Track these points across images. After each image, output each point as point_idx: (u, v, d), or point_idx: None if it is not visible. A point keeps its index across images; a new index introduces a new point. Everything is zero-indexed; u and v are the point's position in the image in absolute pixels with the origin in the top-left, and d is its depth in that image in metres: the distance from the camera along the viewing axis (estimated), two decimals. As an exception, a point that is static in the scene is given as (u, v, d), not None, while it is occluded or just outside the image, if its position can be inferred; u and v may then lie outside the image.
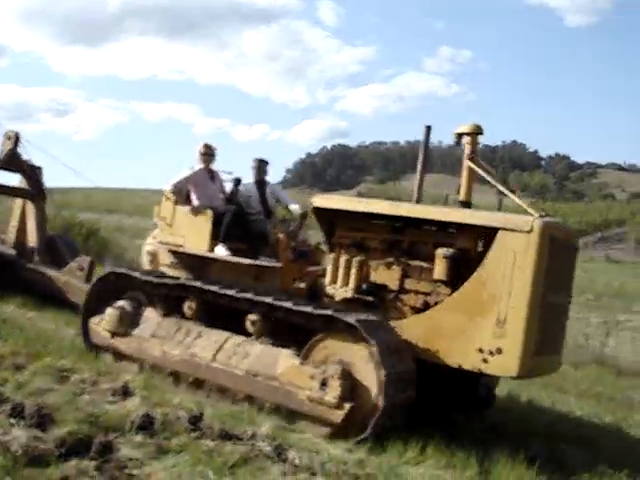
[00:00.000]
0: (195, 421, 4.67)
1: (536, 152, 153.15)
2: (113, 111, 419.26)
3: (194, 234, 6.87)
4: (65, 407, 4.61)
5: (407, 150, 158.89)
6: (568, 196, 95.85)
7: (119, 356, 6.60)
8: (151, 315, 6.60)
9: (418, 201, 6.38)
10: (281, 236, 7.05)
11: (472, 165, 6.09)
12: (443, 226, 5.74)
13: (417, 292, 5.75)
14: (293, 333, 5.78)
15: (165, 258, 7.27)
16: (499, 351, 5.03)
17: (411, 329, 5.49)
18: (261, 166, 7.61)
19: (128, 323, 6.57)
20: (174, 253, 7.15)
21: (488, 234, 5.38)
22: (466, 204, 6.10)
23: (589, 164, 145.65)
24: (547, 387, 9.69)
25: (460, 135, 6.19)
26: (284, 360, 5.52)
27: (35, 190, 10.53)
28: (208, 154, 7.36)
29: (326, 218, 6.41)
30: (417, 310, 5.70)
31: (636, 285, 23.12)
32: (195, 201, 7.12)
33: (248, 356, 5.73)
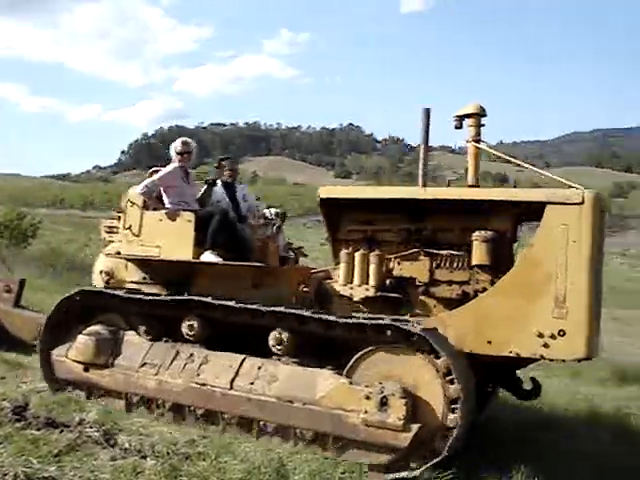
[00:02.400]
0: (20, 411, 4.75)
1: (372, 135, 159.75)
2: None
3: (173, 242, 5.84)
4: None
5: (246, 131, 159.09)
6: (403, 178, 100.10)
7: (96, 392, 5.54)
8: (135, 340, 5.60)
9: (424, 186, 5.90)
10: (268, 242, 6.33)
11: (480, 147, 5.70)
12: (470, 208, 5.33)
13: (451, 282, 5.28)
14: (323, 349, 5.14)
15: (132, 274, 6.19)
16: (562, 333, 4.66)
17: (457, 322, 4.96)
18: (231, 166, 6.65)
19: (107, 352, 5.53)
20: (145, 267, 6.11)
21: (527, 211, 5.07)
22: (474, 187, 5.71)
23: None
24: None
25: (461, 117, 5.78)
26: (324, 381, 4.84)
27: None
28: (187, 152, 6.25)
29: (332, 211, 5.77)
30: (453, 302, 5.25)
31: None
32: (168, 205, 6.08)
33: (275, 380, 4.98)
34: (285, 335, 5.04)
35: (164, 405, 5.26)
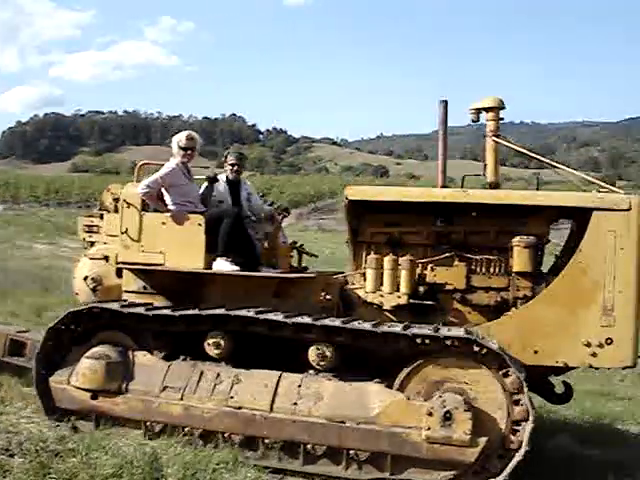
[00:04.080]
0: None
1: (255, 126, 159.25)
2: None
3: (180, 248, 5.31)
4: None
5: (126, 120, 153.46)
6: (285, 169, 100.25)
7: (106, 421, 4.94)
8: (148, 361, 5.03)
9: (444, 186, 5.72)
10: (279, 244, 5.92)
11: (500, 142, 5.59)
12: (506, 210, 5.22)
13: (488, 289, 5.16)
14: (362, 362, 4.87)
15: (128, 282, 5.56)
16: (609, 342, 4.70)
17: (502, 332, 4.84)
18: (237, 161, 6.02)
19: (119, 376, 4.93)
20: (145, 275, 5.50)
21: (563, 214, 5.02)
22: (495, 185, 5.61)
23: (305, 138, 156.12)
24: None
25: (479, 110, 5.64)
26: (377, 397, 4.58)
27: None
28: (192, 149, 5.60)
29: (356, 213, 5.46)
30: (490, 309, 5.14)
31: (346, 252, 24.57)
32: (172, 206, 5.51)
33: (321, 398, 4.65)
34: (330, 350, 4.71)
35: (192, 433, 4.76)
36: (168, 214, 5.39)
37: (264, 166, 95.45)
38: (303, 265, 6.21)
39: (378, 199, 5.28)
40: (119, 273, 5.70)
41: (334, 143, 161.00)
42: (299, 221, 41.22)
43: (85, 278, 5.80)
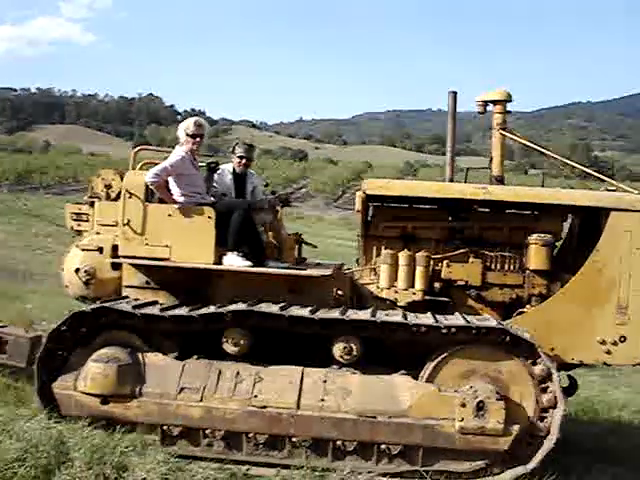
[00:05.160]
0: None
1: (173, 106, 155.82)
2: None
3: (188, 242, 5.04)
4: None
5: (39, 97, 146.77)
6: (203, 151, 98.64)
7: (118, 426, 4.65)
8: (159, 361, 4.76)
9: (451, 180, 5.68)
10: (285, 234, 5.73)
11: (507, 135, 5.61)
12: (520, 208, 5.25)
13: (503, 286, 5.18)
14: (386, 355, 4.81)
15: (128, 277, 5.24)
16: (623, 339, 4.87)
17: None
18: (249, 155, 5.75)
19: (132, 379, 4.65)
20: (148, 269, 5.19)
21: (577, 212, 5.09)
22: (500, 179, 5.64)
23: (224, 120, 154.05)
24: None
25: (486, 103, 5.63)
26: (407, 390, 4.53)
27: None
28: (200, 136, 5.30)
29: (372, 206, 5.36)
30: (505, 306, 5.18)
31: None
32: (179, 197, 5.20)
33: (349, 393, 4.55)
34: (355, 344, 4.60)
35: (214, 434, 4.56)
36: (175, 205, 5.10)
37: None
38: (303, 256, 6.05)
39: (397, 194, 5.19)
40: (115, 266, 5.38)
41: (253, 126, 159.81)
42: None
43: (77, 270, 5.43)
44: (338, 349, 4.63)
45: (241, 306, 4.65)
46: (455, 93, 5.66)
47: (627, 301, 4.87)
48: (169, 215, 5.11)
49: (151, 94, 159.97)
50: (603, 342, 4.86)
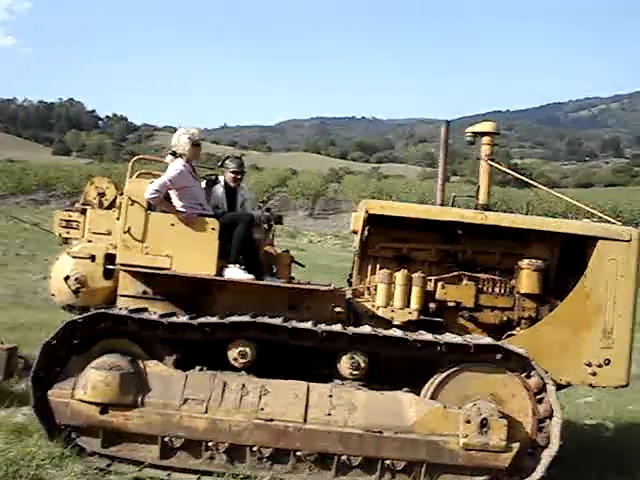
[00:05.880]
0: None
1: (94, 112, 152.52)
2: None
3: (190, 253, 4.99)
4: None
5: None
6: (125, 157, 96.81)
7: (117, 437, 4.49)
8: (162, 371, 4.64)
9: (442, 203, 5.89)
10: (279, 251, 5.74)
11: (494, 166, 5.90)
12: (511, 234, 5.48)
13: (494, 308, 5.38)
14: (389, 371, 4.89)
15: (125, 286, 5.10)
16: (607, 362, 5.13)
17: None
18: (242, 170, 5.81)
19: (134, 388, 4.51)
20: (147, 278, 5.07)
21: (569, 240, 5.38)
22: (486, 207, 5.89)
23: (146, 126, 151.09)
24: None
25: (475, 134, 5.92)
26: (412, 406, 4.62)
27: None
28: (199, 145, 5.32)
29: (370, 226, 5.46)
30: (495, 328, 5.36)
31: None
32: (181, 208, 5.14)
33: (355, 408, 4.59)
34: (362, 359, 4.66)
35: (217, 447, 4.47)
36: (178, 215, 5.06)
37: (103, 153, 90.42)
38: (291, 275, 6.08)
39: (398, 215, 5.31)
40: (107, 275, 5.24)
41: (176, 131, 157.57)
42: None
43: (66, 278, 5.25)
44: (345, 364, 4.68)
45: (261, 318, 4.69)
46: (448, 123, 5.92)
47: (612, 325, 5.15)
48: (172, 225, 5.07)
49: (72, 99, 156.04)
50: (589, 364, 5.10)
